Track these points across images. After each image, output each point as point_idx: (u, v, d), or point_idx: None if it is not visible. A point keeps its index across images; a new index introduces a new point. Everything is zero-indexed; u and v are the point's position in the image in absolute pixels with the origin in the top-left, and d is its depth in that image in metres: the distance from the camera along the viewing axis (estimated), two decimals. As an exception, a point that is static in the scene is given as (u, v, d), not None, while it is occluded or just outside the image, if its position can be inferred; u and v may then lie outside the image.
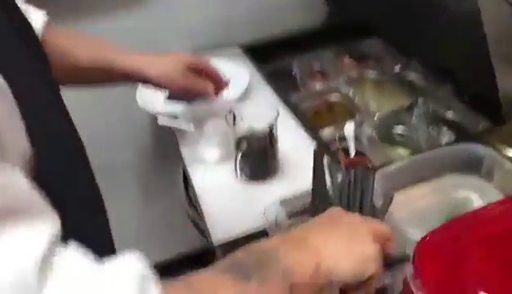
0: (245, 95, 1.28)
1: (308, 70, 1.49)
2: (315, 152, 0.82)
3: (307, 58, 1.54)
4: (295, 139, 1.14)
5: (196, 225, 1.21)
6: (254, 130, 0.98)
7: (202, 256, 1.65)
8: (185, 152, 1.15)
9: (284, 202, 0.95)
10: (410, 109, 1.28)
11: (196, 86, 0.99)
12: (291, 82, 1.48)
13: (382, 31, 1.56)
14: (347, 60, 1.52)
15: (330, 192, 0.80)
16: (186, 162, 1.14)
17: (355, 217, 0.62)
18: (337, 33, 1.60)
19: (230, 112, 0.99)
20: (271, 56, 1.54)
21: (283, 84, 1.42)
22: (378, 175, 0.88)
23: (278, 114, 0.97)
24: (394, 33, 1.49)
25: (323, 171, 0.80)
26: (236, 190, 1.00)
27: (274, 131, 0.98)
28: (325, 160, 0.82)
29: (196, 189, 1.04)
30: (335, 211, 0.63)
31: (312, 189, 0.83)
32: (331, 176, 0.81)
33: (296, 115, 1.23)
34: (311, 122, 1.31)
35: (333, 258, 0.54)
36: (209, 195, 1.01)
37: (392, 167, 0.99)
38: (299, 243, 0.55)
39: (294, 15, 1.63)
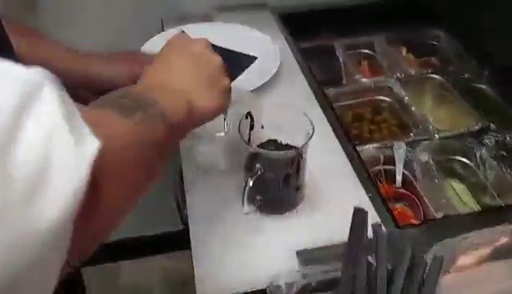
0: (270, 82, 0.98)
1: (355, 57, 1.19)
2: (354, 215, 0.54)
3: (355, 41, 1.23)
4: (325, 154, 0.86)
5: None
6: (277, 149, 0.70)
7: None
8: (183, 151, 0.87)
9: (301, 254, 0.69)
10: (479, 133, 0.99)
11: None
12: (332, 68, 1.18)
13: (452, 22, 1.24)
14: (404, 52, 1.21)
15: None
16: (184, 164, 0.86)
17: (198, 44, 0.65)
18: (396, 14, 1.28)
19: (247, 115, 0.71)
20: (312, 31, 1.23)
21: (322, 70, 1.12)
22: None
23: (313, 132, 0.69)
24: (468, 27, 1.18)
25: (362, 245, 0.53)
26: (239, 223, 0.73)
27: (304, 154, 0.70)
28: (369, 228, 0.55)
29: (188, 207, 0.77)
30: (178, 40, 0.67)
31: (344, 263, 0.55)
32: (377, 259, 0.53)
33: (331, 121, 0.94)
34: (348, 129, 1.02)
35: (201, 99, 0.61)
36: (202, 223, 0.74)
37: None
38: (168, 88, 0.59)
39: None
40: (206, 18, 1.19)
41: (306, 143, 0.68)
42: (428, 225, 0.77)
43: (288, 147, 0.73)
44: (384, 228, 0.60)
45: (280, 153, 0.71)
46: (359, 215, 0.54)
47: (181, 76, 0.62)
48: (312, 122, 0.70)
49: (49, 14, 1.23)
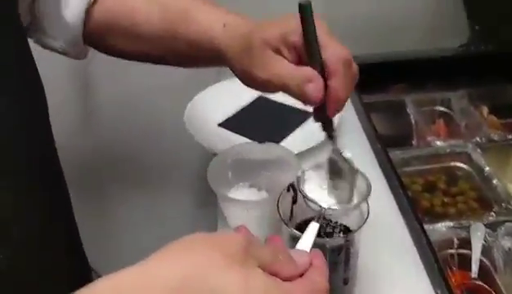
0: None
1: (429, 116, 1.05)
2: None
3: (429, 96, 1.09)
4: (384, 233, 0.72)
5: None
6: (325, 229, 0.57)
7: None
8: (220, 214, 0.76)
9: None
10: None
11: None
12: (400, 126, 1.04)
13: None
14: (486, 112, 1.05)
15: None
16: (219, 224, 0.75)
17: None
18: (479, 67, 1.13)
19: (289, 187, 0.59)
20: (379, 83, 1.09)
21: (388, 128, 0.99)
22: None
23: (367, 215, 0.55)
24: None
25: None
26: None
27: (356, 240, 0.57)
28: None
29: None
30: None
31: None
32: None
33: (394, 191, 0.80)
34: (417, 201, 0.88)
35: None
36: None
37: None
38: None
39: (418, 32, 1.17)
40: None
41: (359, 228, 0.55)
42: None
43: (338, 228, 0.61)
44: None
45: (326, 239, 0.58)
46: None
47: None
48: (367, 202, 0.57)
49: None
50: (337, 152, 0.57)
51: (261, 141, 0.85)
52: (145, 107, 1.18)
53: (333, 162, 0.56)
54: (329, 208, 0.53)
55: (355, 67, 0.55)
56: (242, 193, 0.76)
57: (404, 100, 1.07)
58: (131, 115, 1.23)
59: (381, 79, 1.10)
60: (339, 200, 0.55)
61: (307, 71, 0.53)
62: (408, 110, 1.05)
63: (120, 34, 0.68)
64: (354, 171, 0.56)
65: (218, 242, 0.37)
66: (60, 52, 0.69)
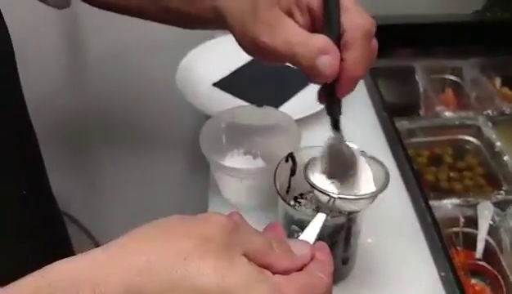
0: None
1: (438, 84, 0.99)
2: None
3: (440, 64, 1.02)
4: (386, 207, 0.67)
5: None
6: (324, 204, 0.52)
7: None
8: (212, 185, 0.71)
9: None
10: None
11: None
12: (408, 94, 0.99)
13: None
14: (499, 84, 0.99)
15: None
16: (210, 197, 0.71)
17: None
18: (494, 34, 1.06)
19: (287, 157, 0.54)
20: (388, 47, 1.02)
21: (396, 96, 0.94)
22: None
23: (377, 193, 0.50)
24: None
25: None
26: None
27: (359, 220, 0.52)
28: None
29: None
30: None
31: None
32: None
33: (399, 162, 0.75)
34: (422, 174, 0.83)
35: None
36: None
37: None
38: None
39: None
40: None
41: (363, 208, 0.50)
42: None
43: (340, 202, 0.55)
44: None
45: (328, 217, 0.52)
46: None
47: None
48: (383, 182, 0.50)
49: None
50: (340, 140, 0.48)
51: (259, 104, 0.79)
52: (136, 64, 1.12)
53: (333, 149, 0.49)
54: (338, 197, 0.46)
55: (375, 42, 0.47)
56: (236, 160, 0.71)
57: (413, 66, 1.01)
58: (121, 72, 1.17)
59: (390, 43, 1.03)
60: (341, 189, 0.48)
61: (322, 40, 0.44)
62: (417, 77, 1.00)
63: None
64: (359, 159, 0.49)
65: (196, 226, 0.32)
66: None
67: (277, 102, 0.84)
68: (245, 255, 0.31)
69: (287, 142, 0.64)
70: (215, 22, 0.52)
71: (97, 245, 1.48)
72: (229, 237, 0.31)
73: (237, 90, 0.88)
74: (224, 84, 0.90)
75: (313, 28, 0.47)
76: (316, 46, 0.44)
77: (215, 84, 0.90)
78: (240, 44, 0.50)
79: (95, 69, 1.18)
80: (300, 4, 0.47)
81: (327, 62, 0.44)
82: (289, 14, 0.47)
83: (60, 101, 1.20)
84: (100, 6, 0.64)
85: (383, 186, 0.47)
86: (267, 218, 0.63)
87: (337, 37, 0.44)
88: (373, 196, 0.47)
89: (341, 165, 0.48)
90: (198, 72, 0.89)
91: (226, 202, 0.68)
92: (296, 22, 0.46)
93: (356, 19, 0.44)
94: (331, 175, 0.48)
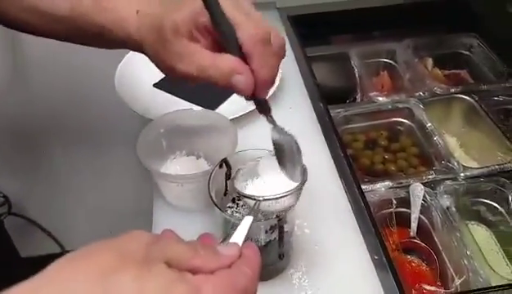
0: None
1: (373, 68, 1.03)
2: None
3: (374, 48, 1.06)
4: (320, 195, 0.71)
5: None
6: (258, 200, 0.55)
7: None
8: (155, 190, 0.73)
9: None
10: (513, 173, 0.82)
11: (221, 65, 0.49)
12: (345, 80, 1.02)
13: (489, 28, 1.06)
14: (430, 65, 1.03)
15: None
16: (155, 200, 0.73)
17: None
18: (424, 17, 1.11)
19: (221, 162, 0.57)
20: (325, 35, 1.07)
21: (332, 83, 0.97)
22: None
23: (298, 198, 0.53)
24: (508, 36, 1.00)
25: None
26: None
27: (289, 218, 0.55)
28: None
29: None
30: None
31: None
32: None
33: (333, 152, 0.79)
34: (357, 159, 0.87)
35: None
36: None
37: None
38: None
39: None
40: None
41: (289, 209, 0.53)
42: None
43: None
44: None
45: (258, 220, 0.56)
46: None
47: None
48: (305, 174, 0.54)
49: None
50: (278, 130, 0.51)
51: (198, 103, 0.81)
52: (78, 66, 1.11)
53: (276, 143, 0.52)
54: (263, 199, 0.49)
55: (278, 40, 0.49)
56: (179, 161, 0.73)
57: (348, 52, 1.04)
58: (60, 74, 1.16)
59: (327, 31, 1.07)
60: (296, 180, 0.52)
61: (232, 61, 0.47)
62: (352, 63, 1.03)
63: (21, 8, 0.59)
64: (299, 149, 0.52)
65: (116, 243, 0.34)
66: None
67: (216, 101, 0.86)
68: (167, 262, 0.34)
69: (225, 141, 0.67)
70: (135, 50, 0.55)
71: (58, 243, 1.45)
72: (149, 249, 0.34)
73: (177, 90, 0.89)
74: (164, 85, 0.91)
75: (219, 46, 0.49)
76: (226, 66, 0.47)
77: (155, 85, 0.91)
78: (160, 70, 0.53)
79: (36, 72, 1.17)
80: (199, 27, 0.49)
81: (242, 80, 0.47)
82: (193, 39, 0.49)
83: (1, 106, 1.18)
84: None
85: (301, 183, 0.51)
86: (211, 219, 0.67)
87: (238, 51, 0.47)
88: (293, 193, 0.51)
89: (287, 155, 0.52)
90: (137, 74, 0.89)
91: (170, 204, 0.71)
92: (202, 45, 0.49)
93: (248, 31, 0.47)
94: (284, 167, 0.52)
